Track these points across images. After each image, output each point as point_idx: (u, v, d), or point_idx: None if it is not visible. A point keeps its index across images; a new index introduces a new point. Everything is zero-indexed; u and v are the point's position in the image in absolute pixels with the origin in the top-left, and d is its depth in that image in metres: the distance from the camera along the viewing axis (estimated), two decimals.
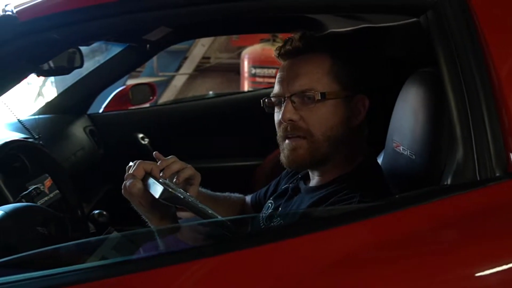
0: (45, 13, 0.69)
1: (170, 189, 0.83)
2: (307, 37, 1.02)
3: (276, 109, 1.05)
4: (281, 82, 1.02)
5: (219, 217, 0.84)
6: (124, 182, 0.92)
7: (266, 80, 4.83)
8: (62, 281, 0.68)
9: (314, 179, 1.09)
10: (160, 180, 0.92)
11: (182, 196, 0.84)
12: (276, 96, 1.03)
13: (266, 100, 1.07)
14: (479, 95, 0.68)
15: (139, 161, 0.95)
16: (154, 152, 1.08)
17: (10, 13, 0.71)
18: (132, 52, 1.99)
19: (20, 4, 0.72)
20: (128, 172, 0.94)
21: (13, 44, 0.69)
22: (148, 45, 1.89)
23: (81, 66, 1.43)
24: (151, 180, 0.87)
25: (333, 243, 0.65)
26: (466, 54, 0.70)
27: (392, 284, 0.62)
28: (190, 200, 0.86)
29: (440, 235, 0.63)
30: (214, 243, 0.80)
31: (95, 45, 1.98)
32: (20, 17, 0.70)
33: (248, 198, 1.36)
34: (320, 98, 0.98)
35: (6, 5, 0.72)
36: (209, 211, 0.85)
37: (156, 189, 0.83)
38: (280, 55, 1.05)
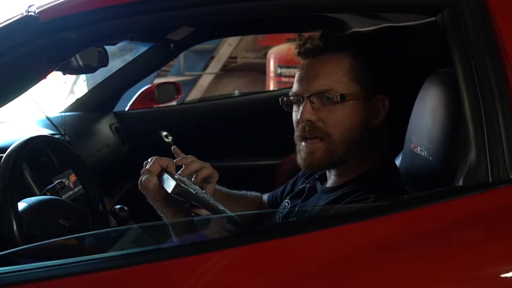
0: (64, 13, 0.72)
1: (182, 185, 0.85)
2: (328, 36, 1.01)
3: (294, 108, 1.04)
4: (300, 81, 1.02)
5: (229, 213, 0.85)
6: (141, 177, 0.95)
7: (292, 80, 4.76)
8: (86, 268, 0.71)
9: (331, 179, 1.09)
10: (176, 176, 0.94)
11: (194, 192, 0.86)
12: (295, 95, 1.02)
13: (284, 98, 1.06)
14: (493, 96, 0.67)
15: (155, 157, 0.97)
16: (172, 147, 1.10)
17: (32, 13, 0.74)
18: (156, 52, 2.03)
19: (43, 5, 0.76)
20: (145, 167, 0.97)
21: (34, 43, 0.72)
22: (172, 45, 1.93)
23: (106, 65, 1.46)
24: (166, 176, 0.90)
25: (343, 240, 0.65)
26: (481, 54, 0.68)
27: (400, 282, 0.61)
28: (202, 196, 0.87)
29: (446, 236, 0.62)
30: (230, 236, 0.81)
31: (121, 44, 2.02)
32: (41, 17, 0.73)
33: (265, 196, 1.37)
34: (339, 99, 0.96)
35: (30, 6, 0.76)
36: (220, 207, 0.87)
37: (169, 184, 0.85)
38: (299, 53, 1.04)
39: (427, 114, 0.93)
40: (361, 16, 1.28)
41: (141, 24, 0.73)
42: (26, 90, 0.78)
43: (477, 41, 0.69)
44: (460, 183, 0.67)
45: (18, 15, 0.76)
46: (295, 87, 1.03)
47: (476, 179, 0.65)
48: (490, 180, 0.65)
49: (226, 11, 0.76)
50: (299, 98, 1.02)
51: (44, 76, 0.78)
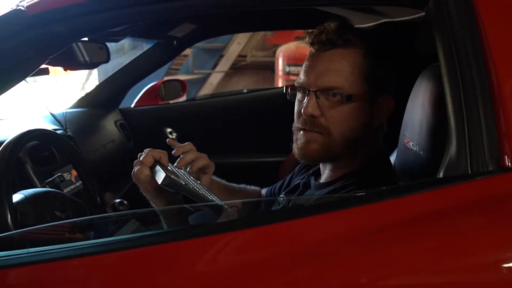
0: (51, 6, 0.74)
1: (172, 176, 0.86)
2: (343, 29, 0.98)
3: (298, 97, 1.02)
4: (308, 72, 0.99)
5: (218, 202, 0.87)
6: (134, 168, 0.97)
7: None
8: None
9: (324, 175, 1.09)
10: (168, 168, 0.95)
11: (184, 183, 0.87)
12: (301, 86, 1.00)
13: (290, 87, 1.04)
14: (475, 89, 0.66)
15: (149, 149, 0.99)
16: (167, 140, 1.11)
17: (21, 7, 0.76)
18: (160, 49, 2.05)
19: None
20: (138, 159, 0.98)
21: (21, 36, 0.74)
22: (175, 41, 1.94)
23: (107, 61, 1.49)
24: (158, 167, 0.91)
25: (327, 226, 0.67)
26: (464, 46, 0.68)
27: (377, 269, 0.62)
28: (191, 187, 0.89)
29: (419, 227, 0.62)
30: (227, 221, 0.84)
31: (127, 41, 2.04)
32: (29, 11, 0.75)
33: (264, 191, 1.38)
34: (346, 100, 0.95)
35: (20, 0, 0.78)
36: (209, 197, 0.88)
37: (160, 176, 0.87)
38: (312, 43, 1.01)
39: (418, 109, 0.92)
40: (359, 12, 1.27)
41: (127, 17, 0.74)
42: (18, 83, 0.80)
43: (460, 33, 0.69)
44: (441, 175, 0.67)
45: (9, 9, 0.78)
46: (302, 77, 1.00)
47: (456, 171, 0.65)
48: (469, 172, 0.65)
49: (212, 4, 0.76)
50: (304, 90, 1.00)
51: (34, 69, 0.80)
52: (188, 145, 1.09)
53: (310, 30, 1.02)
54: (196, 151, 1.09)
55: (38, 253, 0.72)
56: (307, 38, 1.03)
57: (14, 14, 0.76)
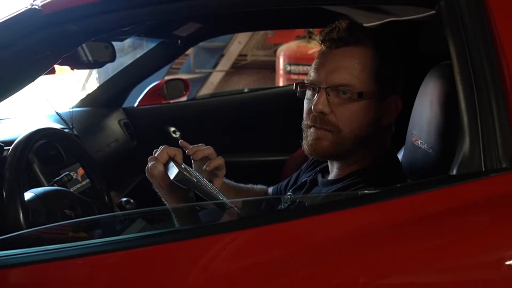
0: (65, 6, 0.74)
1: (184, 173, 0.86)
2: (354, 28, 0.99)
3: (307, 95, 1.03)
4: (319, 69, 1.00)
5: (227, 202, 0.87)
6: (148, 164, 0.97)
7: (301, 77, 4.82)
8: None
9: (332, 172, 1.09)
10: (182, 166, 0.96)
11: (195, 180, 0.88)
12: (312, 83, 1.00)
13: (299, 84, 1.04)
14: (488, 86, 0.67)
15: (164, 146, 0.99)
16: (180, 141, 1.12)
17: (36, 6, 0.77)
18: (164, 48, 2.05)
19: None
20: (153, 155, 0.99)
21: (37, 35, 0.75)
22: (179, 41, 1.94)
23: (113, 60, 1.49)
24: (171, 164, 0.92)
25: (336, 225, 0.67)
26: (477, 44, 0.69)
27: (383, 266, 0.63)
28: (202, 185, 0.89)
29: (432, 224, 0.63)
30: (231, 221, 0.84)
31: (128, 41, 2.03)
32: (44, 10, 0.76)
33: (270, 189, 1.38)
34: (356, 97, 0.96)
35: (34, 0, 0.78)
36: (219, 197, 0.88)
37: (172, 172, 0.87)
38: (323, 41, 1.01)
39: (426, 107, 0.93)
40: (365, 10, 1.28)
41: (141, 16, 0.75)
42: (32, 81, 0.81)
43: (472, 31, 0.69)
44: (454, 172, 0.68)
45: (23, 8, 0.79)
46: (312, 75, 1.01)
47: (469, 168, 0.66)
48: (483, 169, 0.65)
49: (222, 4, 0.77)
50: (314, 87, 1.00)
51: (48, 67, 0.80)
52: (201, 145, 1.09)
53: (323, 31, 1.03)
54: (213, 148, 1.10)
55: (43, 252, 0.72)
56: (318, 37, 1.03)
57: (29, 14, 0.76)
